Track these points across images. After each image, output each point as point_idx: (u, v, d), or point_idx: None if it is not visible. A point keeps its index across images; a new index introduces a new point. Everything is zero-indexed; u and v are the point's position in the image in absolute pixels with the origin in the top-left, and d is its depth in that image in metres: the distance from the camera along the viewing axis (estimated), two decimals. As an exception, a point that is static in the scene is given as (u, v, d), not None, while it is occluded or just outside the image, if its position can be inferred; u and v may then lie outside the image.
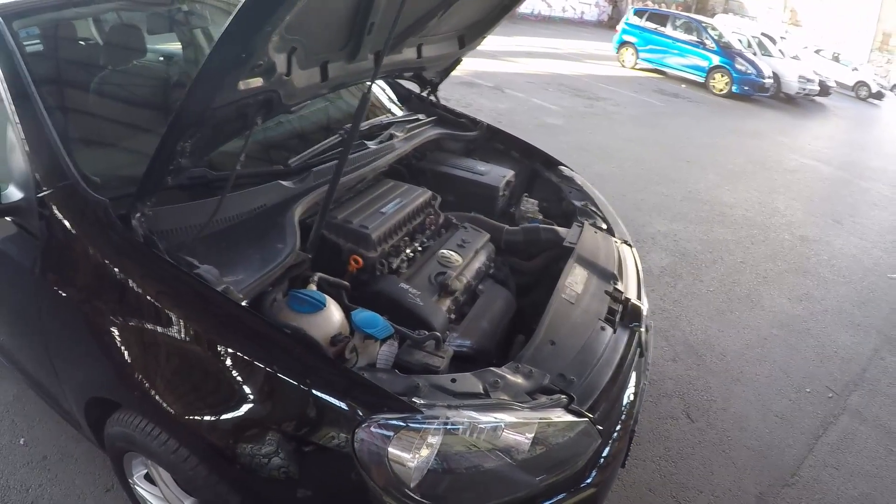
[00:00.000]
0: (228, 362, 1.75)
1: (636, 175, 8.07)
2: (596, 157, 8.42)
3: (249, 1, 1.64)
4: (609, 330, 2.34)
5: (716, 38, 17.00)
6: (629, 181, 7.74)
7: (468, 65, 12.74)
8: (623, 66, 18.34)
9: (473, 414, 1.74)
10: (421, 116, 3.60)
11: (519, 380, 1.94)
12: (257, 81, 2.03)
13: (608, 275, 2.67)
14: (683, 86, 16.73)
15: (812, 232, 7.23)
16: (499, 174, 3.34)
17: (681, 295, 5.10)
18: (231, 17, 1.66)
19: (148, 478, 2.22)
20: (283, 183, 2.49)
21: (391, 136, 3.13)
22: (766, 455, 3.43)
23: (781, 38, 21.88)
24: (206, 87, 1.80)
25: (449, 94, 9.58)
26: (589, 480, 1.90)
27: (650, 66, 18.04)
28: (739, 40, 17.58)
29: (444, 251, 2.66)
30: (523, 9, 27.46)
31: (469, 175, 3.32)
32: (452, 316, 2.44)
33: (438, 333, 2.16)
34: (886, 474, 3.48)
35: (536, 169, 3.67)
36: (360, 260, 2.43)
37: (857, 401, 4.10)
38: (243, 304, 1.89)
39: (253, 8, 1.66)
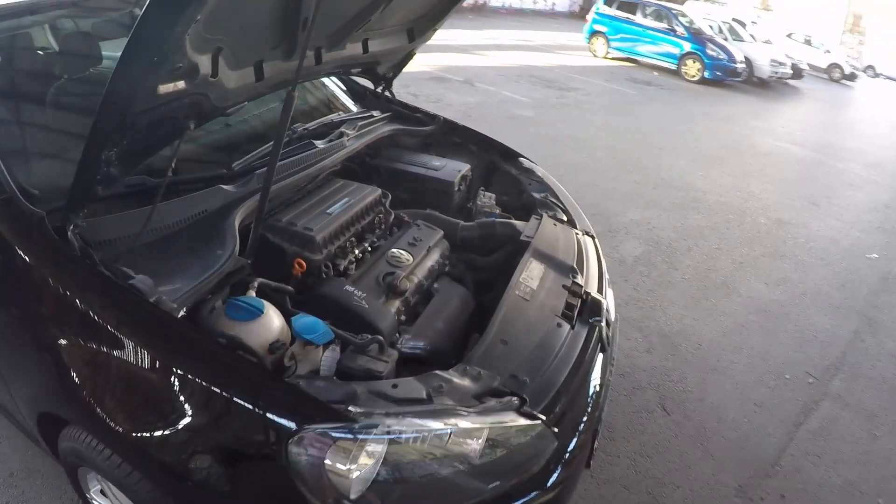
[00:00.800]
0: (162, 376, 1.69)
1: (608, 164, 7.95)
2: (567, 147, 8.30)
3: (155, 1, 1.53)
4: (566, 326, 2.24)
5: (686, 24, 16.96)
6: (601, 170, 7.62)
7: (438, 60, 12.88)
8: (595, 55, 18.26)
9: (416, 421, 1.65)
10: (375, 113, 3.51)
11: (466, 382, 1.84)
12: (180, 85, 1.91)
13: (566, 268, 2.58)
14: (656, 73, 16.66)
15: (788, 215, 7.15)
16: (454, 169, 3.24)
17: (655, 284, 4.98)
18: (137, 19, 1.55)
19: (104, 492, 2.18)
20: (225, 187, 2.39)
21: (342, 135, 3.03)
22: (746, 446, 3.31)
23: (753, 22, 21.97)
24: (121, 93, 1.69)
25: (419, 90, 9.55)
26: (549, 484, 1.81)
27: (622, 55, 17.96)
28: (710, 26, 17.56)
29: (395, 250, 2.56)
30: (494, 2, 27.41)
31: (423, 171, 3.22)
32: (403, 317, 2.33)
33: (381, 336, 2.04)
34: (871, 460, 3.37)
35: (495, 162, 3.56)
36: (304, 263, 2.31)
37: (839, 385, 4.00)
38: (180, 314, 1.82)
39: (160, 8, 1.55)
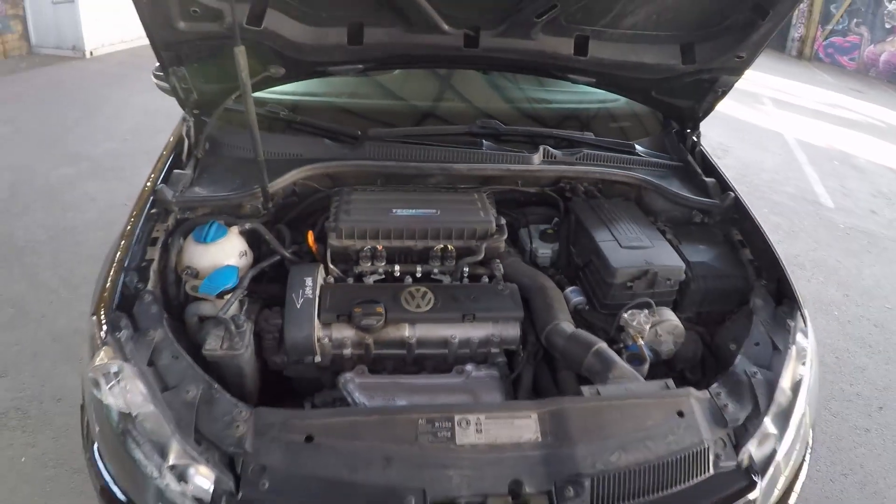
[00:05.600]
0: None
1: None
2: None
3: None
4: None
5: None
6: None
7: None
8: None
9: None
10: (641, 150, 2.84)
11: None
12: (208, 26, 2.09)
13: (561, 467, 1.59)
14: None
15: None
16: (640, 258, 2.28)
17: None
18: None
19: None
20: (328, 142, 2.53)
21: (547, 154, 2.61)
22: None
23: None
24: (157, 12, 2.03)
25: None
26: None
27: None
28: None
29: (419, 289, 2.10)
30: None
31: (597, 238, 2.39)
32: (347, 352, 2.01)
33: (236, 319, 1.87)
34: None
35: (753, 290, 2.31)
36: (313, 238, 2.25)
37: None
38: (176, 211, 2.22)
39: None
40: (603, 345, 1.99)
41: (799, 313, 2.13)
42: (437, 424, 1.61)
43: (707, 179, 2.73)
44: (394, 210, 2.27)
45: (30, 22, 9.89)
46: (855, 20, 14.69)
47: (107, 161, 6.01)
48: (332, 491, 1.49)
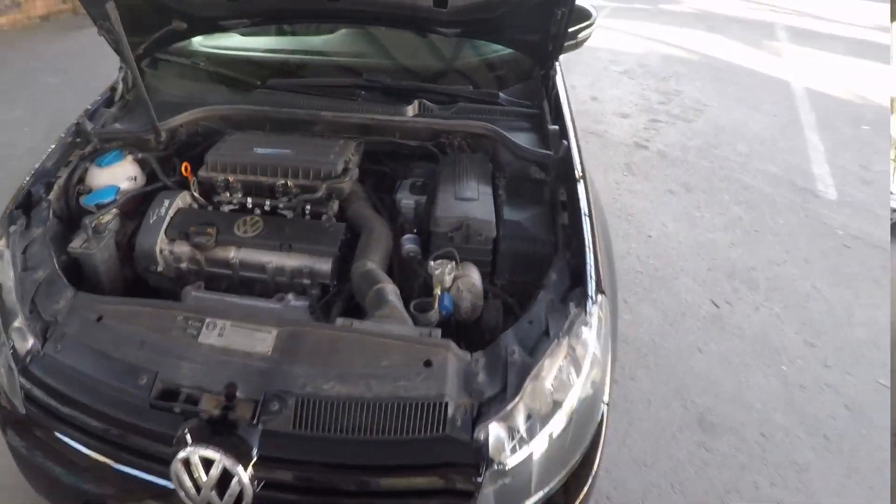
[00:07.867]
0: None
1: None
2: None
3: None
4: (146, 385, 1.73)
5: None
6: None
7: None
8: None
9: None
10: (504, 97, 2.89)
11: None
12: None
13: (275, 382, 1.70)
14: None
15: None
16: (462, 210, 2.25)
17: None
18: None
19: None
20: (223, 87, 2.97)
21: (423, 107, 2.72)
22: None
23: None
24: None
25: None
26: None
27: None
28: None
29: (254, 218, 2.33)
30: None
31: (440, 189, 2.40)
32: (184, 265, 2.31)
33: (98, 227, 2.25)
34: None
35: (553, 262, 2.10)
36: (189, 168, 2.56)
37: None
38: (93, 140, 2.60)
39: None
40: (387, 286, 2.04)
41: (588, 304, 1.83)
42: (189, 323, 1.83)
43: (551, 127, 2.54)
44: (255, 149, 2.51)
45: (101, -22, 10.44)
46: None
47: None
48: (97, 361, 1.79)
